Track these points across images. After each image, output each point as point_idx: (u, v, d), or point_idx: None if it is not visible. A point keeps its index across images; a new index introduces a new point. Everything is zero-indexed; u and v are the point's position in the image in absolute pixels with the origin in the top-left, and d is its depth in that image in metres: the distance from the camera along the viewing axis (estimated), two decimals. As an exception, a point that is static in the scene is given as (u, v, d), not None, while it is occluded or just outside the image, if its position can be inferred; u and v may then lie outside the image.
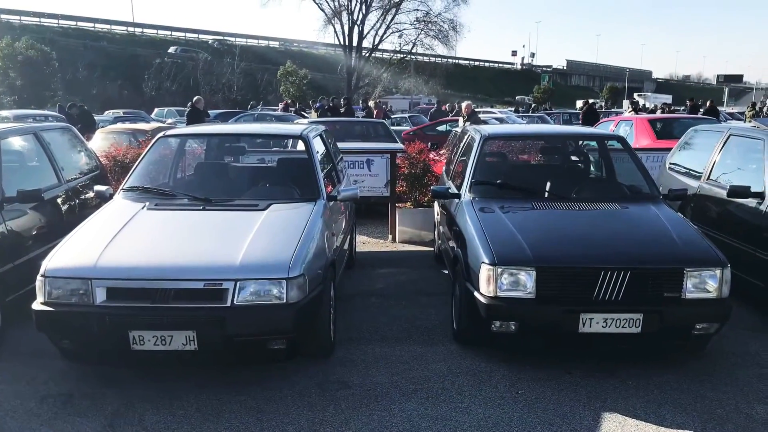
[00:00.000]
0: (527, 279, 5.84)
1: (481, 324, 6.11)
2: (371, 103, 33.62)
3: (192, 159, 9.33)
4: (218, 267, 5.48)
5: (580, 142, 9.95)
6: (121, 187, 7.22)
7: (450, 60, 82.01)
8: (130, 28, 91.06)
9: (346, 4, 61.42)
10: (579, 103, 54.87)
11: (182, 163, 8.64)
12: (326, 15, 61.61)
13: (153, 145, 7.81)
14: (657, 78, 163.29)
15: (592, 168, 9.36)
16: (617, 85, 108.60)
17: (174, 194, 7.14)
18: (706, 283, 5.90)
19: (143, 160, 7.63)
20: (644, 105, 55.45)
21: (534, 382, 5.95)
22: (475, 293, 6.07)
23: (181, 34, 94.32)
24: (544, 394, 5.72)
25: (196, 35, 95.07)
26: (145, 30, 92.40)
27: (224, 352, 5.50)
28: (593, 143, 9.80)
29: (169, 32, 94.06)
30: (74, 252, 5.74)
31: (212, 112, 30.12)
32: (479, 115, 20.25)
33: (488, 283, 5.91)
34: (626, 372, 6.12)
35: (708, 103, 30.74)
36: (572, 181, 8.22)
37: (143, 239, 6.01)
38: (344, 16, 61.74)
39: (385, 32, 62.21)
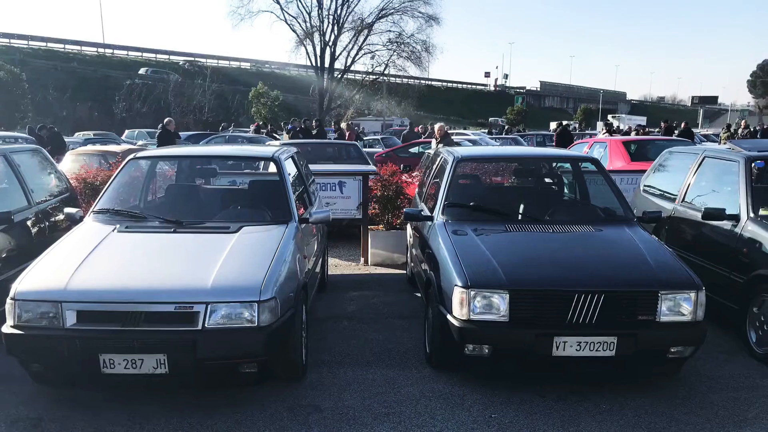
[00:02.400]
0: (500, 302, 5.82)
1: (454, 347, 6.08)
2: (343, 125, 33.62)
3: (163, 181, 9.27)
4: (189, 290, 5.43)
5: (554, 164, 9.95)
6: (91, 210, 7.16)
7: (423, 81, 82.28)
8: (101, 49, 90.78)
9: (318, 25, 61.63)
10: (553, 125, 55.20)
11: (153, 185, 8.59)
12: (298, 36, 61.84)
13: (124, 167, 7.75)
14: (631, 99, 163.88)
15: (566, 190, 9.38)
16: (591, 106, 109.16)
17: (145, 217, 7.08)
18: (680, 306, 5.91)
19: (114, 182, 7.57)
20: (618, 127, 56.01)
21: (507, 406, 5.92)
22: (448, 316, 6.04)
23: (151, 56, 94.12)
24: (517, 418, 5.69)
25: (167, 56, 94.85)
26: (116, 51, 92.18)
27: (195, 375, 5.45)
28: (567, 165, 9.80)
29: (139, 53, 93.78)
30: (44, 275, 5.68)
31: (183, 134, 30.05)
32: (452, 137, 20.27)
33: (461, 306, 5.88)
34: (600, 396, 6.11)
35: (683, 125, 30.96)
36: (546, 204, 8.23)
37: (114, 262, 5.95)
38: (316, 37, 61.95)
39: (357, 53, 62.47)
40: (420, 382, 6.44)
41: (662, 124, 33.42)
